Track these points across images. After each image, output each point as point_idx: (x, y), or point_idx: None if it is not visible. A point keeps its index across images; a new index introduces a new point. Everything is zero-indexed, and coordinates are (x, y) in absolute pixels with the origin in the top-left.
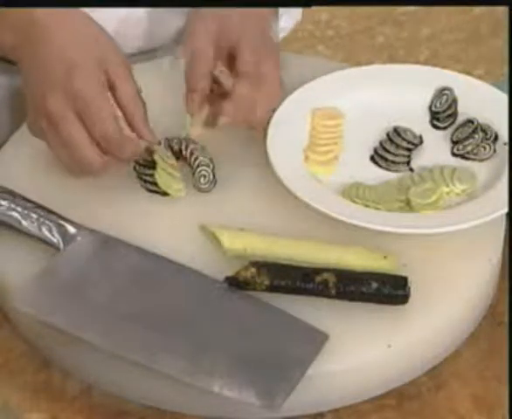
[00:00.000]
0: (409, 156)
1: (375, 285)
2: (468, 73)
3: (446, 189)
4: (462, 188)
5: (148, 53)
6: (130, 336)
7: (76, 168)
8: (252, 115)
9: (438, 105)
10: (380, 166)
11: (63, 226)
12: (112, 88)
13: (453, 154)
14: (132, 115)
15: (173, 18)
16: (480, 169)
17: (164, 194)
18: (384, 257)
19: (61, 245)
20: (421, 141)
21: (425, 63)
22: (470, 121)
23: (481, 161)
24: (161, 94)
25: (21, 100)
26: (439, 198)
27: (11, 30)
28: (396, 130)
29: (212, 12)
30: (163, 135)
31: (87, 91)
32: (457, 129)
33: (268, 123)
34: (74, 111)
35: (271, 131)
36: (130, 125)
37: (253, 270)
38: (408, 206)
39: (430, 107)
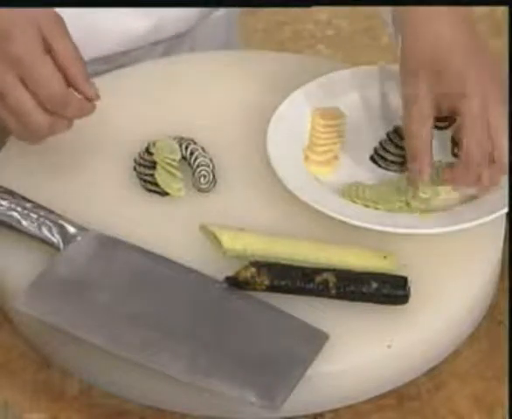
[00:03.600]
0: None
1: (375, 284)
2: None
3: (444, 189)
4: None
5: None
6: (130, 336)
7: (25, 133)
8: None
9: None
10: (380, 166)
11: (63, 226)
12: (49, 50)
13: (453, 154)
14: (73, 74)
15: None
16: None
17: (164, 194)
18: (384, 257)
19: (61, 245)
20: None
21: None
22: None
23: None
24: (161, 94)
25: None
26: (438, 199)
27: None
28: (396, 130)
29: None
30: (164, 135)
31: (26, 53)
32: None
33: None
34: (16, 76)
35: (271, 130)
36: (72, 85)
37: (253, 270)
38: (408, 206)
39: None
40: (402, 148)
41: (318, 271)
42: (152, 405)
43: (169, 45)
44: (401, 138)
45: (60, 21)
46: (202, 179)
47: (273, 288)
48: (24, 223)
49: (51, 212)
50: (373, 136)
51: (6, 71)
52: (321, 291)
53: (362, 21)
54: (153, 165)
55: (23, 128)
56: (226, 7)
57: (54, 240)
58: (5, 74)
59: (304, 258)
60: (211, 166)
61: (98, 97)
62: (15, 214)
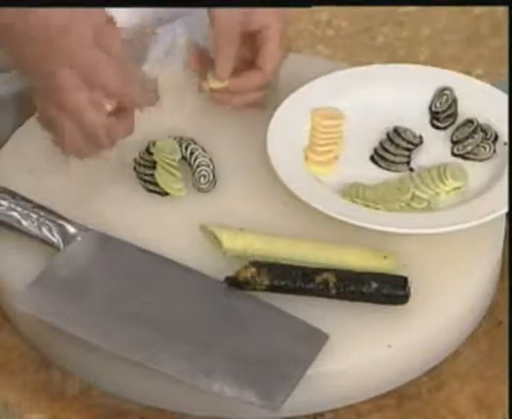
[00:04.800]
0: (409, 156)
1: (375, 284)
2: (468, 73)
3: (444, 188)
4: (455, 185)
5: None
6: (130, 336)
7: (80, 139)
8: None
9: (438, 105)
10: (380, 166)
11: (63, 226)
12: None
13: (453, 154)
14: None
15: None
16: (480, 169)
17: (164, 194)
18: (384, 257)
19: (61, 245)
20: (421, 141)
21: (425, 63)
22: (470, 121)
23: (481, 161)
24: (161, 94)
25: (21, 100)
26: (438, 199)
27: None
28: (396, 130)
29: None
30: (164, 135)
31: (90, 54)
32: (457, 129)
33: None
34: (81, 78)
35: (271, 130)
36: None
37: (253, 270)
38: (408, 206)
39: (430, 107)
40: (402, 148)
41: (318, 271)
42: (152, 405)
43: (170, 45)
44: (401, 138)
45: (116, 25)
46: (202, 179)
47: (273, 288)
48: (24, 223)
49: (51, 212)
50: (373, 136)
51: (71, 72)
52: (321, 291)
53: (362, 21)
54: (153, 165)
55: (82, 136)
56: (227, 8)
57: (54, 240)
58: (71, 75)
59: (304, 258)
60: (211, 166)
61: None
62: (15, 214)
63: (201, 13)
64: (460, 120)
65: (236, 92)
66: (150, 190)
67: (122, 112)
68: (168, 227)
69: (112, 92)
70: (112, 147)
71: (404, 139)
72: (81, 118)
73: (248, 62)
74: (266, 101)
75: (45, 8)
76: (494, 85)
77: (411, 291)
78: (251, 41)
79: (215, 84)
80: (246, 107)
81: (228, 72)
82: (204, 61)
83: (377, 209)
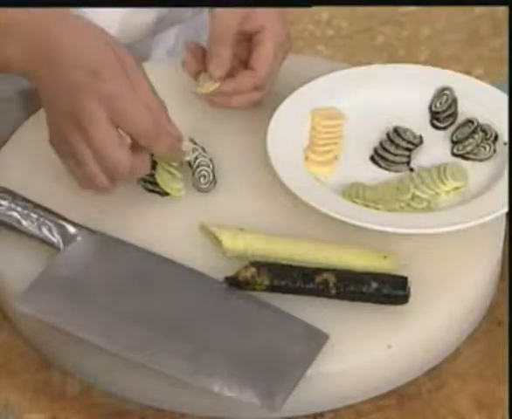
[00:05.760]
0: (409, 156)
1: (375, 284)
2: (468, 73)
3: (444, 188)
4: (455, 185)
5: None
6: (130, 336)
7: (104, 179)
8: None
9: (438, 105)
10: (380, 166)
11: (63, 226)
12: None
13: (453, 154)
14: (157, 113)
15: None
16: (480, 169)
17: (164, 194)
18: (384, 257)
19: (61, 245)
20: (421, 141)
21: (425, 63)
22: (470, 121)
23: (481, 161)
24: (161, 94)
25: (22, 100)
26: (438, 199)
27: (18, 45)
28: (396, 130)
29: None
30: None
31: (117, 89)
32: (457, 129)
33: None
34: (106, 113)
35: (271, 130)
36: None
37: (253, 270)
38: (408, 206)
39: (430, 107)
40: (402, 148)
41: (318, 271)
42: (152, 405)
43: (173, 45)
44: (401, 138)
45: (141, 65)
46: (202, 179)
47: (273, 288)
48: (24, 223)
49: (51, 212)
50: (373, 136)
51: (98, 105)
52: (321, 291)
53: (362, 21)
54: (153, 165)
55: (103, 171)
56: (226, 7)
57: (54, 240)
58: (96, 110)
59: (304, 258)
60: (211, 166)
61: (181, 138)
62: (15, 214)
63: (205, 15)
64: (460, 120)
65: (229, 93)
66: (150, 190)
67: (140, 148)
68: (168, 227)
69: (141, 134)
70: (130, 182)
71: (404, 139)
72: (106, 155)
73: (244, 63)
74: (262, 102)
75: (45, 8)
76: (494, 85)
77: (411, 291)
78: (247, 42)
79: (205, 88)
80: (242, 108)
81: (222, 72)
82: (200, 62)
83: (377, 209)
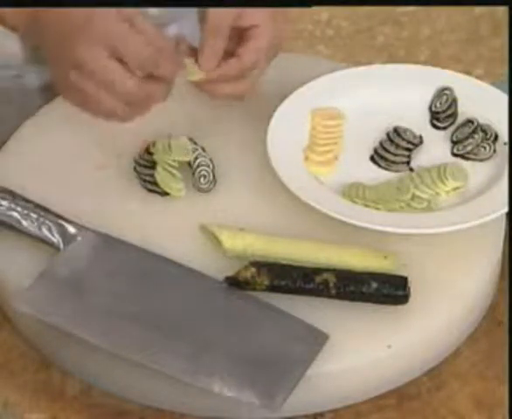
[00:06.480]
0: (409, 156)
1: (375, 284)
2: (468, 73)
3: (444, 188)
4: (455, 185)
5: None
6: (130, 336)
7: (119, 106)
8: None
9: (438, 105)
10: (380, 166)
11: (63, 226)
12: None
13: (453, 154)
14: (161, 45)
15: None
16: (480, 169)
17: (164, 194)
18: (384, 257)
19: (61, 245)
20: (421, 141)
21: (425, 63)
22: (470, 121)
23: (481, 161)
24: None
25: (22, 98)
26: (438, 199)
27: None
28: (396, 130)
29: None
30: (164, 135)
31: (114, 28)
32: (457, 129)
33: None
34: (105, 50)
35: (271, 130)
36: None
37: (253, 270)
38: (408, 206)
39: (430, 107)
40: (402, 148)
41: (318, 271)
42: (152, 405)
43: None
44: (401, 138)
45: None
46: (202, 179)
47: (273, 288)
48: (24, 223)
49: (51, 212)
50: (373, 136)
51: (95, 45)
52: (321, 291)
53: (362, 21)
54: (153, 165)
55: (116, 100)
56: (226, 7)
57: (54, 240)
58: (95, 49)
59: (304, 258)
60: (211, 166)
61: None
62: (15, 214)
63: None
64: (460, 120)
65: (214, 80)
66: (150, 190)
67: (154, 79)
68: (168, 227)
69: (144, 61)
70: (147, 111)
71: (404, 139)
72: (111, 80)
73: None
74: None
75: (44, 7)
76: (494, 85)
77: (411, 291)
78: (239, 38)
79: (194, 76)
80: (226, 98)
81: (211, 64)
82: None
83: (377, 209)
